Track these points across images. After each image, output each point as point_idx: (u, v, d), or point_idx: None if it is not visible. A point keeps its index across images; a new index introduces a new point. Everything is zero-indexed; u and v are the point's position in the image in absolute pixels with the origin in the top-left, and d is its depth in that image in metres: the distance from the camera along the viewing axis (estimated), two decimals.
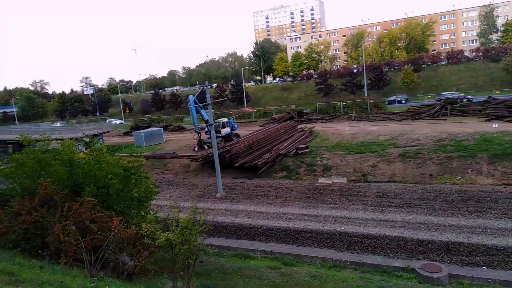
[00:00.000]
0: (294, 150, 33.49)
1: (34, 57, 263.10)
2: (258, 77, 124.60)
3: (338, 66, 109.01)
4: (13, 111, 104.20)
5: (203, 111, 41.33)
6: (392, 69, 79.27)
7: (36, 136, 13.99)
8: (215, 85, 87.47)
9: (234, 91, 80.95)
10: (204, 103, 27.23)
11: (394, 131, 35.46)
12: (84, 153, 13.63)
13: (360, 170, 28.64)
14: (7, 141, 48.92)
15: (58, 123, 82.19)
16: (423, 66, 76.47)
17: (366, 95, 62.57)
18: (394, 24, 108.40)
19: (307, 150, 33.23)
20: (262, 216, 21.97)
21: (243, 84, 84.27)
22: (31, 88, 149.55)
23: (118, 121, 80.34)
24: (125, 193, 12.85)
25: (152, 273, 9.29)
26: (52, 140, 14.43)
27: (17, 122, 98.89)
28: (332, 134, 39.07)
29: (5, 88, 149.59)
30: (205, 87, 26.32)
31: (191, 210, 10.20)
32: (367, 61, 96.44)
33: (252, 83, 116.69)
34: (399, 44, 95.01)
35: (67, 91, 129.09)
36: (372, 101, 51.75)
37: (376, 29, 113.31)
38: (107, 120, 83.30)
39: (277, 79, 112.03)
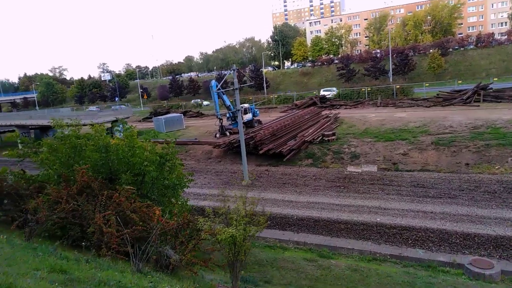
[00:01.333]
0: (320, 137, 32.57)
1: (53, 43, 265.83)
2: (276, 63, 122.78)
3: (359, 51, 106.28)
4: (34, 97, 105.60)
5: (225, 97, 40.64)
6: (416, 54, 76.57)
7: (67, 121, 13.51)
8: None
9: (253, 77, 79.73)
10: (230, 88, 26.34)
11: (425, 118, 34.08)
12: (117, 139, 13.11)
13: (391, 158, 27.59)
14: (30, 126, 49.41)
15: (94, 107, 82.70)
16: (450, 50, 73.59)
17: (391, 80, 60.67)
18: (419, 6, 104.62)
19: (333, 137, 32.27)
20: (292, 205, 21.32)
21: (262, 69, 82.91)
22: (50, 74, 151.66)
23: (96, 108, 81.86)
24: (160, 181, 12.32)
25: (197, 267, 8.73)
26: (84, 125, 13.96)
27: (37, 107, 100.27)
28: (358, 120, 37.90)
29: (25, 74, 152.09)
30: (232, 71, 25.47)
31: (239, 200, 9.50)
32: (392, 45, 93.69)
33: (270, 68, 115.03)
34: (424, 28, 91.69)
35: (85, 77, 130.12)
36: (398, 86, 49.99)
37: (399, 11, 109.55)
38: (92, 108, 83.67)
39: (296, 64, 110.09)
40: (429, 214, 17.86)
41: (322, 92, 59.25)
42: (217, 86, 38.56)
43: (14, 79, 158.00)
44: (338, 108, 47.55)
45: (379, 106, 45.46)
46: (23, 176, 11.84)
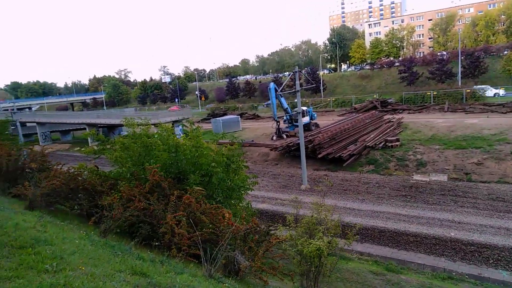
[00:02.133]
0: (383, 143, 31.05)
1: (119, 47, 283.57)
2: (332, 65, 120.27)
3: (422, 53, 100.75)
4: (102, 97, 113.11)
5: (283, 99, 40.34)
6: (488, 56, 70.72)
7: (138, 120, 13.87)
8: (285, 73, 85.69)
9: (309, 79, 78.59)
10: (291, 91, 25.89)
11: (501, 125, 31.14)
12: (183, 139, 13.21)
13: (462, 168, 25.47)
14: (98, 125, 52.66)
15: (175, 106, 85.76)
16: None
17: (459, 84, 56.53)
18: (491, 5, 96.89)
19: (397, 143, 30.60)
20: (354, 213, 20.34)
21: (319, 72, 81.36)
22: (116, 76, 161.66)
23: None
24: (225, 182, 12.17)
25: (266, 275, 8.37)
26: (153, 125, 14.28)
27: (105, 107, 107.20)
28: (423, 126, 35.66)
29: (94, 76, 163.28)
30: (294, 73, 25.04)
31: (315, 208, 9.03)
32: (457, 46, 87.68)
33: (326, 71, 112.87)
34: (497, 28, 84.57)
35: (147, 79, 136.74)
36: (468, 90, 46.37)
37: (468, 11, 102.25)
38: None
39: (353, 67, 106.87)
40: None
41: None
42: (275, 88, 38.38)
43: (85, 81, 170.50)
44: (400, 113, 45.20)
45: (447, 112, 42.47)
46: (97, 172, 12.29)
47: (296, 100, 30.95)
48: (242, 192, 13.15)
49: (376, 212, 20.04)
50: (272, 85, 38.24)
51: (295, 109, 42.58)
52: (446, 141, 29.73)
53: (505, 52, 65.36)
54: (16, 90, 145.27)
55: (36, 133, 59.46)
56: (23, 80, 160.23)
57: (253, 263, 8.24)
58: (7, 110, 63.69)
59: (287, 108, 40.43)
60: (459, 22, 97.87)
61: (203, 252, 7.92)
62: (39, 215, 9.26)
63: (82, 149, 51.41)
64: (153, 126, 14.51)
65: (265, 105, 68.73)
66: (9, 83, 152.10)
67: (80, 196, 12.01)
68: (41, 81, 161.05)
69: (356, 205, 21.53)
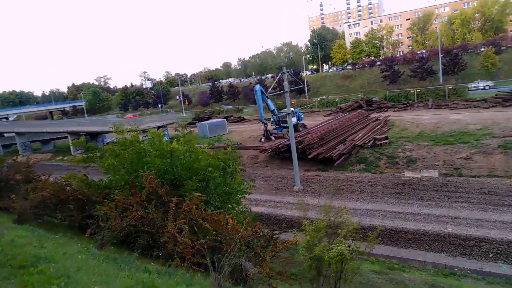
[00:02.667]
0: (372, 141, 31.14)
1: (96, 54, 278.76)
2: (314, 66, 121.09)
3: (401, 52, 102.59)
4: (82, 105, 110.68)
5: (269, 101, 40.12)
6: (466, 53, 72.46)
7: (128, 126, 13.30)
8: (269, 74, 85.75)
9: (293, 81, 78.88)
10: (278, 92, 25.66)
11: (485, 120, 31.67)
12: (177, 143, 12.72)
13: (452, 163, 25.70)
14: (81, 133, 51.25)
15: (131, 114, 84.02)
16: (504, 48, 68.94)
17: (441, 81, 57.57)
18: (465, 4, 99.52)
19: (386, 141, 30.73)
20: (350, 212, 20.10)
21: (302, 73, 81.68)
22: (96, 83, 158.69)
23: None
24: (221, 187, 11.76)
25: (276, 281, 8.00)
26: (143, 130, 13.73)
27: (85, 115, 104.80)
28: (410, 123, 35.98)
29: (73, 84, 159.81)
30: (282, 74, 24.81)
31: (324, 210, 8.71)
32: (437, 45, 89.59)
33: (308, 72, 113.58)
34: (473, 26, 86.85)
35: (128, 85, 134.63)
36: (450, 87, 47.19)
37: (444, 10, 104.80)
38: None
39: (335, 67, 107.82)
40: (509, 225, 16.12)
41: None
42: (262, 90, 38.12)
43: (63, 89, 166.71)
44: (386, 111, 45.58)
45: (431, 108, 43.04)
46: (87, 181, 11.69)
47: (284, 102, 30.96)
48: (239, 196, 12.76)
49: (371, 210, 19.94)
50: (258, 87, 37.96)
51: (282, 110, 42.56)
52: (433, 137, 30.01)
53: (482, 49, 67.07)
54: None
55: (15, 143, 57.53)
56: None
57: (261, 270, 7.86)
58: None
59: (274, 109, 40.23)
60: (436, 21, 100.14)
61: (207, 260, 7.53)
62: (31, 229, 8.67)
63: (65, 158, 50.00)
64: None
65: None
66: None
67: (71, 207, 11.42)
68: (17, 90, 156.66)
69: (351, 204, 21.33)
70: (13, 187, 13.14)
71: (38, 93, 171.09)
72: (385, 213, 19.27)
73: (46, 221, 11.40)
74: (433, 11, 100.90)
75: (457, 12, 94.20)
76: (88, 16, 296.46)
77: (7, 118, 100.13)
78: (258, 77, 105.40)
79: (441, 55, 65.36)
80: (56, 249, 5.56)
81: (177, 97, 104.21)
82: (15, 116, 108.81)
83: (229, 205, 12.41)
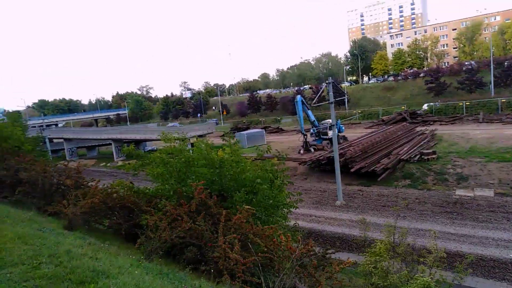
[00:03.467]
0: (418, 156, 29.68)
1: (140, 64, 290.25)
2: (353, 77, 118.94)
3: (447, 63, 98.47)
4: (125, 113, 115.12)
5: (310, 112, 39.54)
6: None
7: (175, 134, 13.29)
8: (307, 87, 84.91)
9: (342, 91, 77.73)
10: (326, 102, 25.09)
11: None
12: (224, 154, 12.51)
13: (509, 182, 23.86)
14: (124, 140, 53.00)
15: (172, 124, 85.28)
16: None
17: (493, 93, 54.43)
18: None
19: (434, 156, 29.17)
20: (397, 231, 19.06)
21: (342, 84, 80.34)
22: (138, 92, 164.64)
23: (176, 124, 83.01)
24: (269, 200, 11.37)
25: None
26: (190, 137, 13.66)
27: (128, 123, 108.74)
28: (459, 138, 34.10)
29: (117, 93, 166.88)
30: (328, 84, 24.27)
31: (386, 230, 8.11)
32: (487, 56, 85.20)
33: (347, 83, 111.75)
34: None
35: (168, 95, 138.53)
36: (503, 100, 44.41)
37: (495, 19, 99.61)
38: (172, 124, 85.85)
39: (375, 79, 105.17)
40: None
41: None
42: (302, 101, 37.67)
43: (108, 97, 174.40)
44: (431, 124, 43.61)
45: (482, 122, 40.67)
46: (134, 189, 11.70)
47: (323, 113, 30.34)
48: (286, 210, 12.32)
49: (421, 230, 18.76)
50: (299, 97, 37.54)
51: (323, 121, 41.81)
52: (487, 153, 28.14)
53: None
54: (43, 107, 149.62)
55: (63, 149, 60.42)
56: (50, 98, 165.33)
57: None
58: (35, 126, 65.19)
59: (314, 121, 39.58)
60: (485, 31, 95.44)
61: (259, 279, 7.15)
62: (82, 236, 8.69)
63: (108, 164, 51.82)
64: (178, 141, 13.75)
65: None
66: (36, 101, 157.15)
67: (117, 215, 11.46)
68: (67, 98, 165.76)
69: (398, 222, 20.21)
70: (64, 192, 13.48)
71: (85, 101, 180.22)
72: (437, 234, 17.99)
73: (92, 228, 11.50)
74: (483, 20, 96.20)
75: (509, 21, 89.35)
76: (131, 29, 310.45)
77: (56, 125, 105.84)
78: (297, 88, 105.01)
79: (493, 66, 62.01)
80: (111, 261, 5.38)
81: (213, 108, 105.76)
82: (64, 123, 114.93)
83: (275, 219, 12.00)
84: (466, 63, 75.28)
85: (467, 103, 46.52)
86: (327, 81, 24.88)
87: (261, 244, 7.90)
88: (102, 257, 5.55)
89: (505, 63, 62.28)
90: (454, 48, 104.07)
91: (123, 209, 11.24)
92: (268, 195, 10.94)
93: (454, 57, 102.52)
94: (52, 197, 13.39)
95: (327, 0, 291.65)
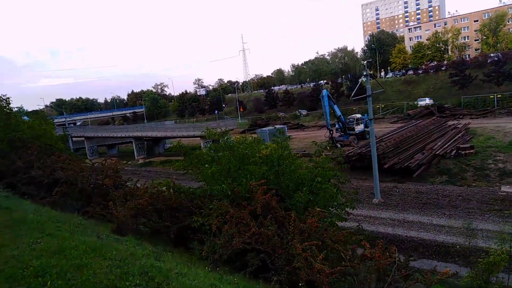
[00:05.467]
0: (455, 151, 28.35)
1: (154, 62, 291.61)
2: (370, 72, 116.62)
3: (468, 56, 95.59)
4: (142, 111, 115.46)
5: (335, 107, 38.47)
6: None
7: (219, 129, 12.51)
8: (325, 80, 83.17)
9: (351, 86, 76.28)
10: (364, 95, 24.04)
11: None
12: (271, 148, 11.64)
13: None
14: (144, 138, 52.69)
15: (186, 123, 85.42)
16: None
17: None
18: None
19: (472, 151, 27.83)
20: (445, 230, 18.01)
21: (362, 78, 78.68)
22: (153, 90, 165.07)
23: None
24: (330, 200, 10.50)
25: None
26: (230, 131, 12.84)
27: (145, 120, 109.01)
28: (495, 132, 32.61)
29: (132, 91, 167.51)
30: (366, 76, 23.19)
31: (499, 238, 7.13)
32: (509, 47, 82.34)
33: (363, 78, 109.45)
34: None
35: (183, 92, 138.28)
36: None
37: None
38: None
39: (393, 73, 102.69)
40: None
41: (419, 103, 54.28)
42: (328, 95, 36.60)
43: (123, 96, 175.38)
44: (461, 118, 41.97)
45: None
46: (182, 189, 10.94)
47: (340, 108, 28.99)
48: (343, 210, 11.41)
49: (472, 230, 17.56)
50: (325, 92, 36.50)
51: (350, 116, 40.62)
52: None
53: None
54: (60, 107, 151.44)
55: (83, 147, 60.54)
56: (67, 97, 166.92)
57: None
58: (58, 125, 65.52)
59: (340, 116, 38.49)
60: (509, 22, 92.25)
61: None
62: (136, 242, 7.94)
63: (129, 162, 51.52)
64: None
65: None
66: (54, 100, 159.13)
67: (165, 217, 10.72)
68: (83, 97, 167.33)
69: (443, 221, 19.15)
70: (102, 192, 12.83)
71: (101, 100, 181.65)
72: (490, 234, 16.86)
73: (140, 231, 10.78)
74: (506, 11, 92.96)
75: None
76: (143, 26, 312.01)
77: (75, 123, 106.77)
78: (313, 83, 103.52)
79: None
80: (196, 275, 4.56)
81: (224, 105, 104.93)
82: (81, 122, 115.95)
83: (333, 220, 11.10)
84: (492, 54, 72.75)
85: (498, 96, 44.63)
86: (364, 74, 23.80)
87: (343, 252, 7.02)
88: (187, 272, 4.74)
89: None
90: (475, 40, 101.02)
91: (171, 210, 10.53)
92: (331, 195, 10.07)
93: (476, 49, 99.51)
94: (90, 198, 12.77)
95: None
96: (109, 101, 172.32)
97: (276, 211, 8.36)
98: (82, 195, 12.84)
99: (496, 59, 65.20)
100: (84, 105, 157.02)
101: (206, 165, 10.15)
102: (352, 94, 24.30)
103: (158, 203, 10.42)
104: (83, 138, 58.50)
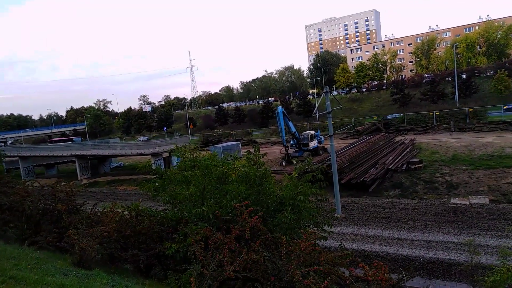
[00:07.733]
0: (405, 165, 29.68)
1: (96, 78, 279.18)
2: (315, 90, 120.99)
3: (404, 76, 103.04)
4: (83, 128, 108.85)
5: (291, 123, 38.87)
6: (474, 76, 72.51)
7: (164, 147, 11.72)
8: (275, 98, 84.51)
9: (300, 104, 78.41)
10: (324, 112, 24.39)
11: None
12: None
13: (498, 189, 24.22)
14: (89, 157, 49.31)
15: (142, 138, 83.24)
16: None
17: (457, 104, 56.98)
18: (467, 29, 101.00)
19: (420, 165, 29.30)
20: (407, 243, 18.42)
21: (308, 96, 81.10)
22: (95, 106, 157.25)
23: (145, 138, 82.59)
24: (313, 219, 10.15)
25: None
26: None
27: (87, 138, 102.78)
28: (438, 146, 34.74)
29: (72, 108, 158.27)
30: (325, 93, 23.55)
31: (501, 253, 7.05)
32: (442, 69, 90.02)
33: (310, 96, 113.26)
34: (478, 50, 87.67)
35: (127, 109, 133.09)
36: (471, 109, 46.36)
37: (446, 35, 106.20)
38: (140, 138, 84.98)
39: (337, 91, 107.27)
40: None
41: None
42: (283, 112, 36.90)
43: (62, 113, 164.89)
44: (405, 134, 44.45)
45: (454, 131, 41.98)
46: (150, 213, 9.92)
47: (302, 124, 29.17)
48: (321, 228, 11.06)
49: (431, 242, 18.18)
50: (280, 109, 36.77)
51: (304, 133, 41.24)
52: (471, 161, 28.72)
53: (492, 72, 67.04)
54: None
55: (16, 168, 55.32)
56: None
57: None
58: None
59: (295, 132, 38.92)
60: (438, 46, 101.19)
61: None
62: (107, 277, 6.91)
63: (71, 183, 47.74)
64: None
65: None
66: None
67: (133, 244, 9.63)
68: (15, 113, 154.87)
69: (403, 234, 19.64)
70: (53, 219, 11.37)
71: (36, 116, 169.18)
72: (449, 245, 17.53)
73: (102, 261, 9.59)
74: (436, 36, 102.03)
75: (459, 37, 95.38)
76: (82, 41, 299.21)
77: (5, 142, 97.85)
78: (262, 100, 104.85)
79: (450, 79, 65.26)
80: None
81: (173, 121, 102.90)
82: (12, 140, 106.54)
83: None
84: (426, 75, 78.92)
85: (437, 113, 48.09)
86: (324, 91, 24.20)
87: (342, 276, 6.58)
88: None
89: (462, 76, 65.83)
90: (410, 61, 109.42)
91: (139, 236, 9.48)
92: (314, 213, 9.68)
93: (411, 70, 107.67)
94: (39, 225, 11.23)
95: (288, 14, 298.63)
96: (44, 118, 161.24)
97: (265, 233, 7.75)
98: (29, 223, 11.28)
99: (430, 79, 70.78)
100: (16, 122, 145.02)
101: (183, 186, 9.29)
102: (314, 111, 24.51)
103: (126, 230, 9.36)
104: (16, 158, 53.38)
